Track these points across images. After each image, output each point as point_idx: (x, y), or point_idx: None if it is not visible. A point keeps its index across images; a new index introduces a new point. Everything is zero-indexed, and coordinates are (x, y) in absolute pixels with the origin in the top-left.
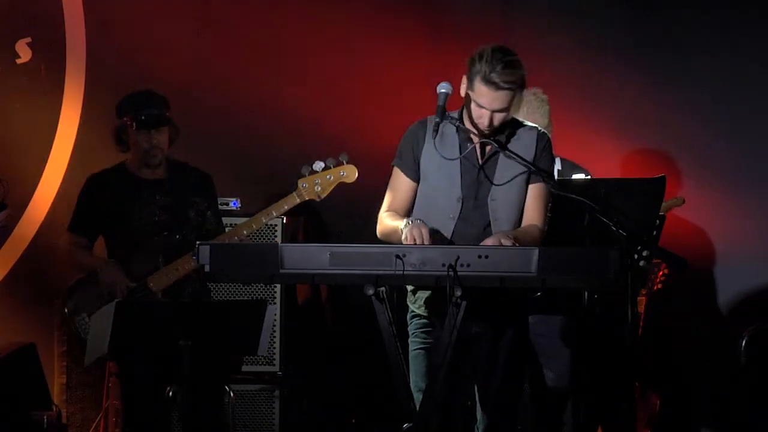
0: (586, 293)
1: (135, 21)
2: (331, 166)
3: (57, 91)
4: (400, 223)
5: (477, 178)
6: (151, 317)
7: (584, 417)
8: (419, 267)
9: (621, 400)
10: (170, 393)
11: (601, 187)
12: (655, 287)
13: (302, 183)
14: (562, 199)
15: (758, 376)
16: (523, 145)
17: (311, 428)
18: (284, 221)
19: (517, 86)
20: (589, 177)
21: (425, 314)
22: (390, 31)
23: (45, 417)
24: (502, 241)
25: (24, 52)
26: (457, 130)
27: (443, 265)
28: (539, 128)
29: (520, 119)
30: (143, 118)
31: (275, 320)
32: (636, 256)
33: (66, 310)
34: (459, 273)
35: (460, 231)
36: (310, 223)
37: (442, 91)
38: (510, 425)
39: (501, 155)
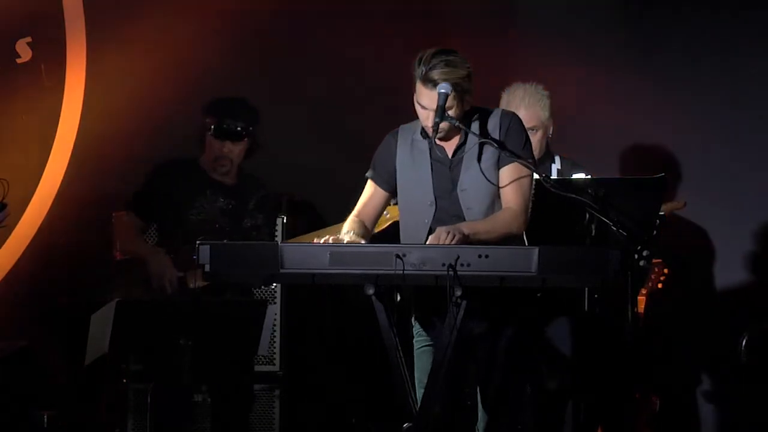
0: (586, 293)
1: (136, 20)
2: None
3: (57, 91)
4: (345, 229)
5: (450, 176)
6: (151, 317)
7: (584, 417)
8: (419, 267)
9: (621, 400)
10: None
11: (602, 187)
12: (656, 287)
13: None
14: (563, 199)
15: (758, 376)
16: (488, 130)
17: (311, 428)
18: (284, 221)
19: (457, 86)
20: (589, 176)
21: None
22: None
23: (45, 417)
24: (441, 237)
25: (24, 52)
26: (426, 135)
27: (443, 264)
28: (503, 110)
29: (493, 108)
30: (221, 127)
31: (275, 320)
32: (636, 256)
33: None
34: (459, 272)
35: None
36: (311, 223)
37: (442, 91)
38: (510, 425)
39: (467, 147)
